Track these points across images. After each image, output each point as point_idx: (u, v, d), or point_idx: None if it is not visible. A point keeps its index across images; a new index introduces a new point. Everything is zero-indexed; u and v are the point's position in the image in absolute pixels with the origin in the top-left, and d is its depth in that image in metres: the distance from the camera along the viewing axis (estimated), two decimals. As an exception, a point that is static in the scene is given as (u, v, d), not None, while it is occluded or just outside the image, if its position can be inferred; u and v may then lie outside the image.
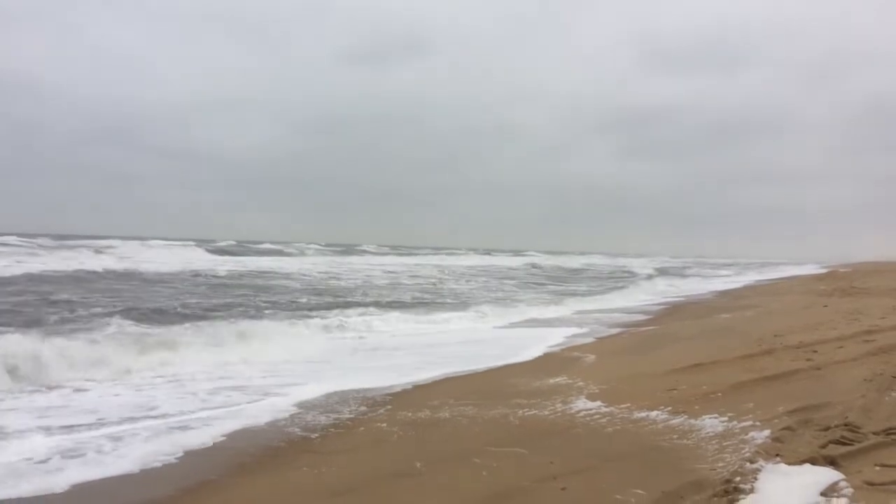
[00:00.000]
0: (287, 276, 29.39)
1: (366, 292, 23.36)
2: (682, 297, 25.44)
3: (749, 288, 30.87)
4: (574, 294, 26.73)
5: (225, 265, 32.98)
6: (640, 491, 4.24)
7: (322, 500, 4.51)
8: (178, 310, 15.64)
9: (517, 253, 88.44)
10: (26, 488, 4.79)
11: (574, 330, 14.15)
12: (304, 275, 30.48)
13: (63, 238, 53.07)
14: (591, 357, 10.21)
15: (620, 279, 40.51)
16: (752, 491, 4.01)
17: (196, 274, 27.58)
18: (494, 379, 8.80)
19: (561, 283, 36.31)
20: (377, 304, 19.01)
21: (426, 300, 21.65)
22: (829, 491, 3.95)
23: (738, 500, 3.90)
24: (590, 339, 12.54)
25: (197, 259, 37.33)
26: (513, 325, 15.90)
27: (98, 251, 38.71)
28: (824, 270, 46.70)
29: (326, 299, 20.23)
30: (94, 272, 24.81)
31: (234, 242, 62.34)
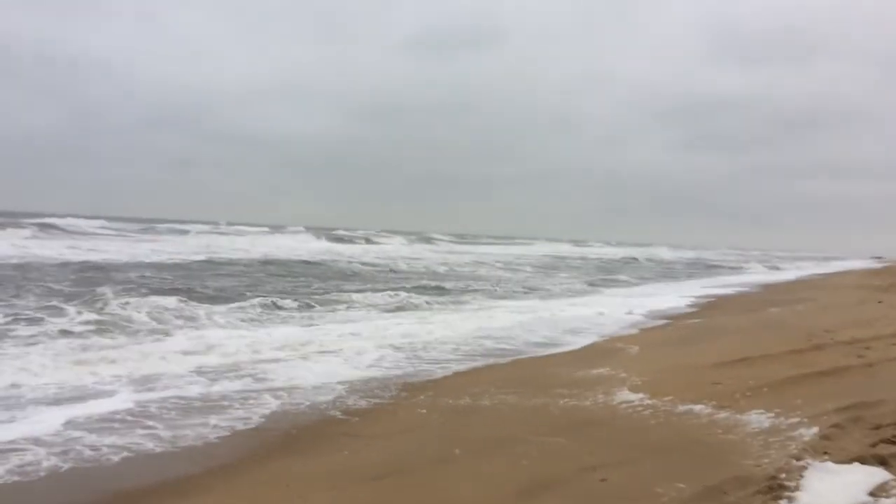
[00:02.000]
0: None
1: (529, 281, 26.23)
2: (733, 289, 24.97)
3: (800, 282, 30.14)
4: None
5: (367, 255, 36.64)
6: (681, 485, 4.18)
7: (361, 484, 4.56)
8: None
9: (578, 243, 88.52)
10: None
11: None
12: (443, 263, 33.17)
13: (136, 222, 54.67)
14: (635, 348, 10.10)
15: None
16: (797, 488, 3.91)
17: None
18: (536, 368, 8.78)
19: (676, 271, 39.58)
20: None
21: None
22: (878, 491, 3.84)
23: (782, 496, 3.82)
24: (635, 331, 12.40)
25: (325, 247, 41.35)
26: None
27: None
28: (881, 265, 45.32)
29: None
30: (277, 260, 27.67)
31: (302, 228, 63.38)
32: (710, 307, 17.58)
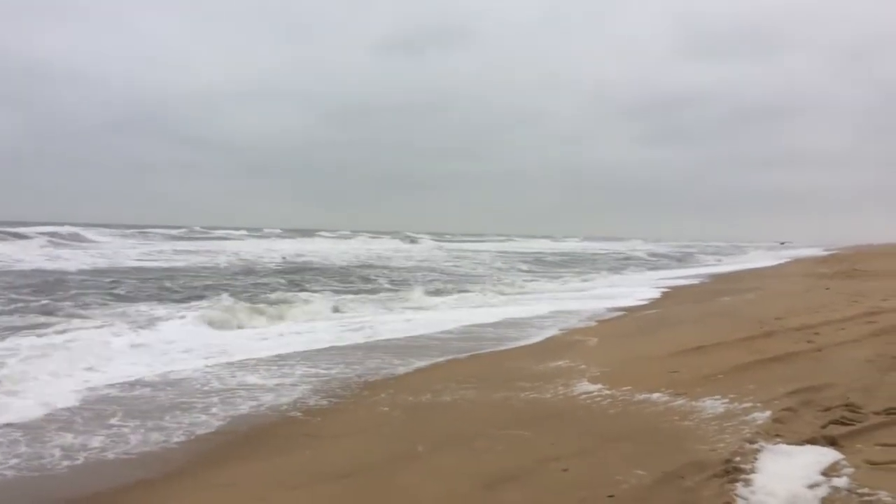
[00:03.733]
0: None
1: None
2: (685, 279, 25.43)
3: (750, 271, 30.85)
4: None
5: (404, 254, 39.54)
6: (640, 471, 4.25)
7: (323, 483, 4.52)
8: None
9: (555, 239, 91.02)
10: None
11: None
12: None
13: (106, 227, 53.48)
14: (593, 340, 10.22)
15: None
16: (752, 471, 4.01)
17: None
18: (496, 362, 8.82)
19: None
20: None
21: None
22: (830, 470, 3.96)
23: (738, 479, 3.91)
24: (593, 323, 12.55)
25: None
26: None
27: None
28: (827, 253, 46.67)
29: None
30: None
31: (279, 230, 62.76)
32: (665, 298, 17.88)
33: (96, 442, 5.50)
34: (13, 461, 5.02)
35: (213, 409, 6.48)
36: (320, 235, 60.60)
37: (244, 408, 6.56)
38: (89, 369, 8.04)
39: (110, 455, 5.24)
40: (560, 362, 8.31)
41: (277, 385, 7.46)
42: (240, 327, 11.97)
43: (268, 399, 6.87)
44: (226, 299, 14.14)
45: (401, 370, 8.33)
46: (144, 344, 9.84)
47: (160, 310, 13.15)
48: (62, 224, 44.13)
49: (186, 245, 38.38)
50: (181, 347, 9.77)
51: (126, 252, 31.77)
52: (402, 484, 4.45)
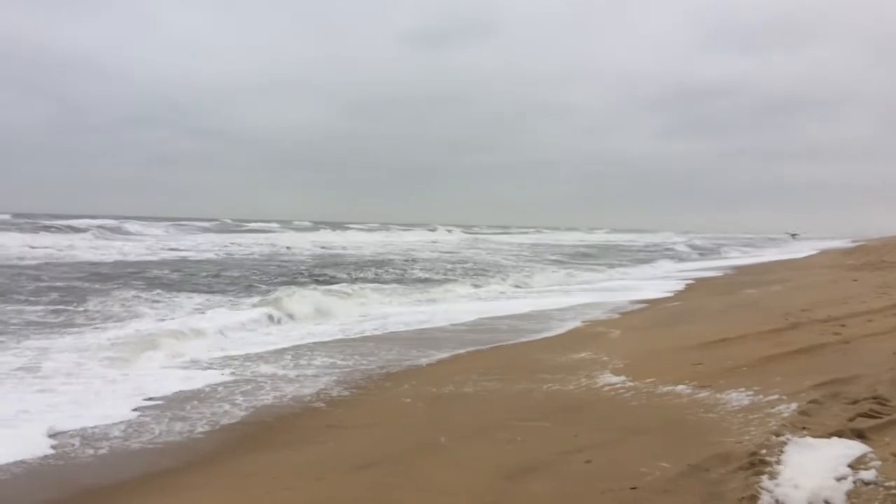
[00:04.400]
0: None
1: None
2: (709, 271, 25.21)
3: (777, 263, 30.50)
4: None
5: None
6: (664, 464, 4.22)
7: (347, 473, 4.55)
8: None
9: (586, 231, 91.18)
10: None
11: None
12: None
13: (139, 220, 54.24)
14: (616, 332, 10.17)
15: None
16: (778, 463, 3.96)
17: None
18: (519, 354, 8.81)
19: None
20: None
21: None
22: (857, 463, 3.90)
23: (763, 472, 3.86)
24: (615, 315, 12.48)
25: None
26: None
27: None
28: (853, 244, 46.00)
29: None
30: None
31: (308, 223, 63.62)
32: (689, 290, 17.74)
33: (117, 432, 5.58)
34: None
35: (238, 399, 6.55)
36: (351, 228, 61.01)
37: (268, 398, 6.62)
38: (149, 359, 8.32)
39: (133, 445, 5.31)
40: (583, 354, 8.28)
41: (299, 376, 7.51)
42: (291, 319, 11.93)
43: (290, 389, 6.92)
44: (280, 291, 14.19)
45: (423, 361, 8.35)
46: (187, 333, 9.96)
47: (205, 300, 13.38)
48: (94, 217, 44.68)
49: (224, 237, 38.69)
50: (203, 336, 9.89)
51: (168, 243, 32.21)
52: (424, 475, 4.46)
